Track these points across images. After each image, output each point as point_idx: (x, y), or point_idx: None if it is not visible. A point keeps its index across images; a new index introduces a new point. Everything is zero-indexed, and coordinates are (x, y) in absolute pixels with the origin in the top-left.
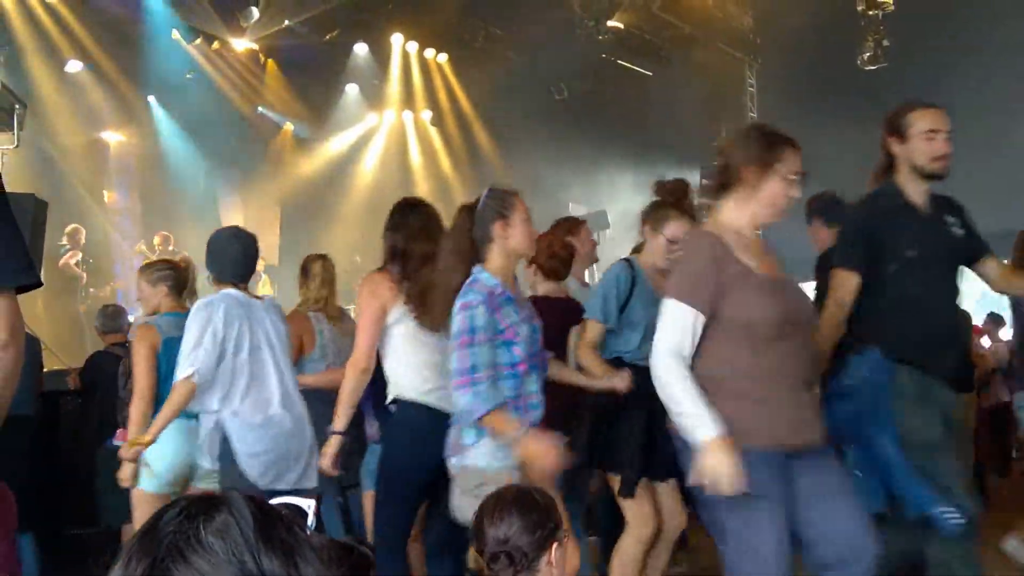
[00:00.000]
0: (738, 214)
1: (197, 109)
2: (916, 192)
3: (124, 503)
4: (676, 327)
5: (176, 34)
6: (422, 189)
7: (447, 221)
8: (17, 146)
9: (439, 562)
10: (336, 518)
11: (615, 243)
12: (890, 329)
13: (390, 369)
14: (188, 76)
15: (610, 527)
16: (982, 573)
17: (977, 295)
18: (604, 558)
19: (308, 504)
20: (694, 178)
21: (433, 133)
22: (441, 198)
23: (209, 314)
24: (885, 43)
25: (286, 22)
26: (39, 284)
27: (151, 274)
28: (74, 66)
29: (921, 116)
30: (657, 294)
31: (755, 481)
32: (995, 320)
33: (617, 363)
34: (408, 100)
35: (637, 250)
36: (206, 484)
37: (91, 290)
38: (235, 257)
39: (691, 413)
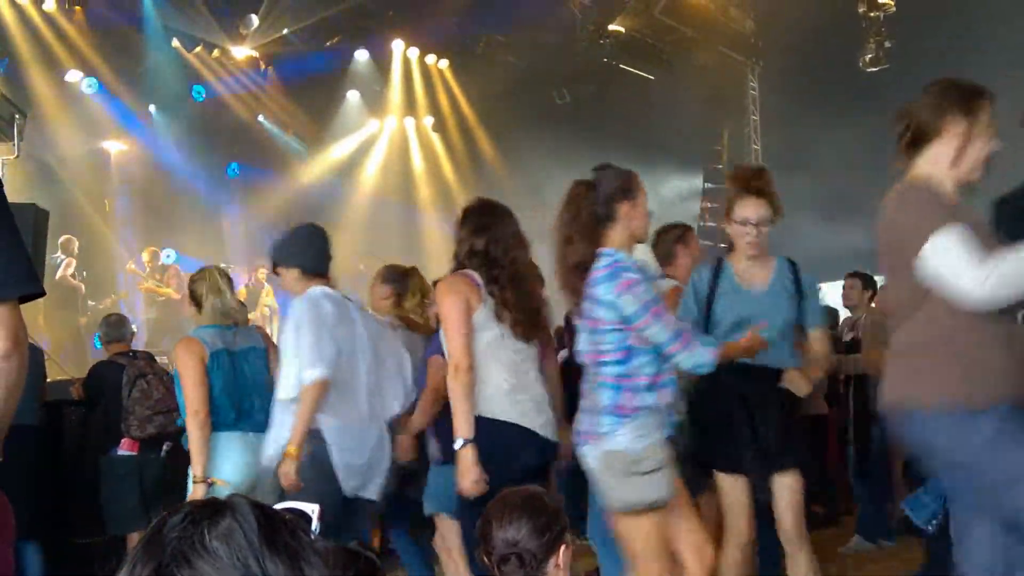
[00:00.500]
0: (937, 172)
1: (198, 118)
2: None
3: (129, 512)
4: (954, 251)
5: (176, 43)
6: (424, 195)
7: (445, 230)
8: (17, 156)
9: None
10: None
11: None
12: None
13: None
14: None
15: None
16: None
17: None
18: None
19: (312, 508)
20: (697, 181)
21: (435, 139)
22: (443, 204)
23: (319, 311)
24: (886, 45)
25: (286, 30)
26: (42, 293)
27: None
28: (74, 76)
29: None
30: (745, 288)
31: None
32: None
33: None
34: (409, 106)
35: None
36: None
37: (90, 303)
38: (321, 248)
39: None
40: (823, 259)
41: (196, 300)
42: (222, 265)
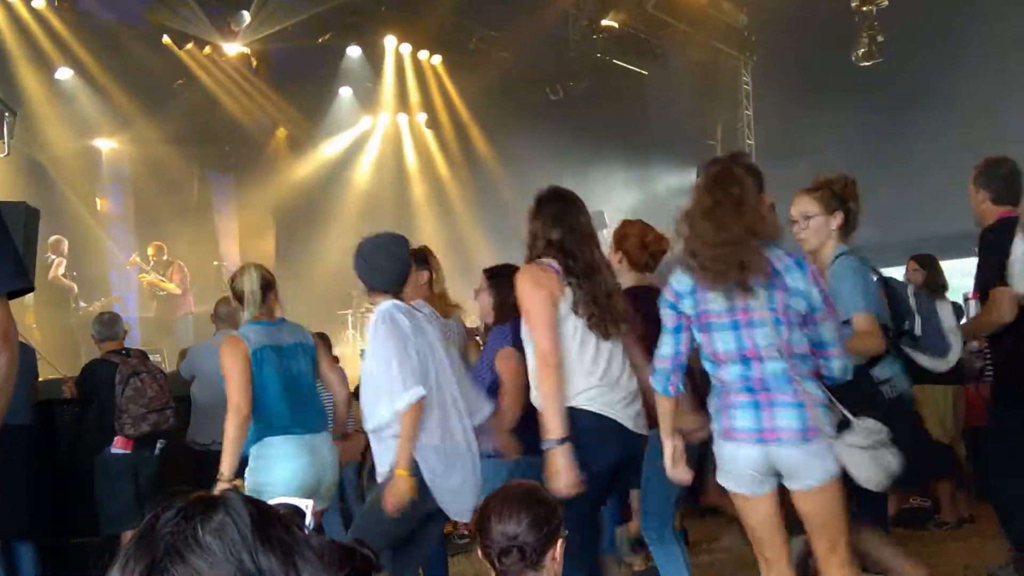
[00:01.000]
0: None
1: (190, 115)
2: None
3: (123, 511)
4: None
5: (167, 39)
6: (418, 192)
7: (437, 229)
8: (7, 154)
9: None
10: (338, 523)
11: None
12: None
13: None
14: (179, 84)
15: None
16: None
17: None
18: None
19: (306, 504)
20: (690, 176)
21: (428, 135)
22: (437, 201)
23: (400, 328)
24: (879, 39)
25: (277, 26)
26: (30, 289)
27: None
28: (64, 73)
29: None
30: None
31: None
32: None
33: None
34: (402, 103)
35: None
36: (319, 504)
37: (82, 304)
38: (399, 262)
39: None
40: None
41: (238, 296)
42: (215, 263)
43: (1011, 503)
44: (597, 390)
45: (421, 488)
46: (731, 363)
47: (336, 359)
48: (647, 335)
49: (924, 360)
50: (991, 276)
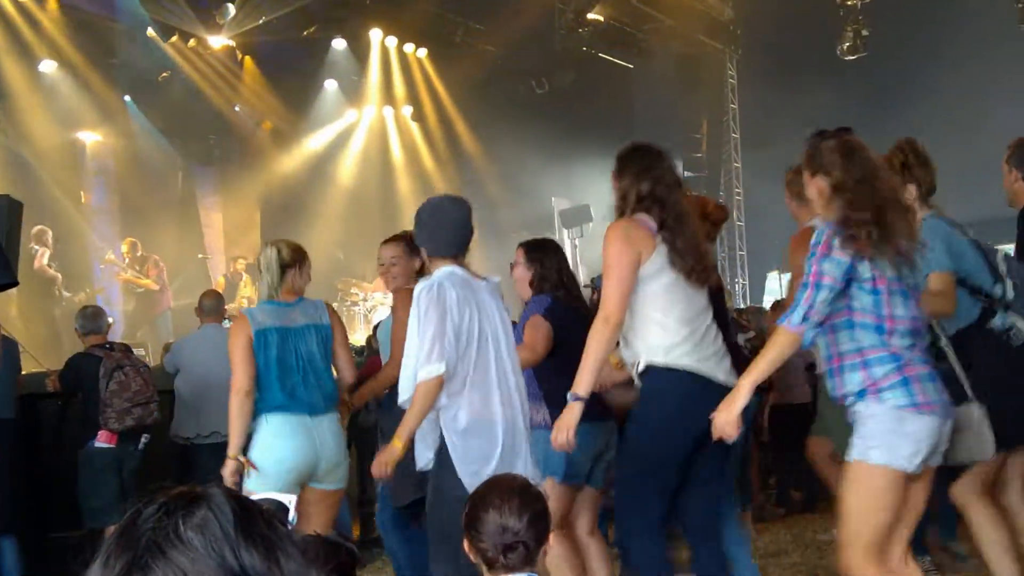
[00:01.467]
0: None
1: (174, 108)
2: None
3: (107, 505)
4: None
5: (151, 32)
6: (403, 185)
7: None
8: None
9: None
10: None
11: (597, 237)
12: None
13: (636, 330)
14: (163, 76)
15: None
16: None
17: None
18: None
19: (289, 499)
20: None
21: (414, 128)
22: (423, 193)
23: (443, 298)
24: (864, 33)
25: (263, 18)
26: (15, 283)
27: None
28: (48, 65)
29: None
30: None
31: None
32: None
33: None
34: (388, 96)
35: None
36: (327, 484)
37: (66, 294)
38: (457, 224)
39: None
40: None
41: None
42: (199, 256)
43: None
44: (691, 344)
45: (451, 465)
46: (906, 331)
47: None
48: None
49: (1021, 323)
50: None
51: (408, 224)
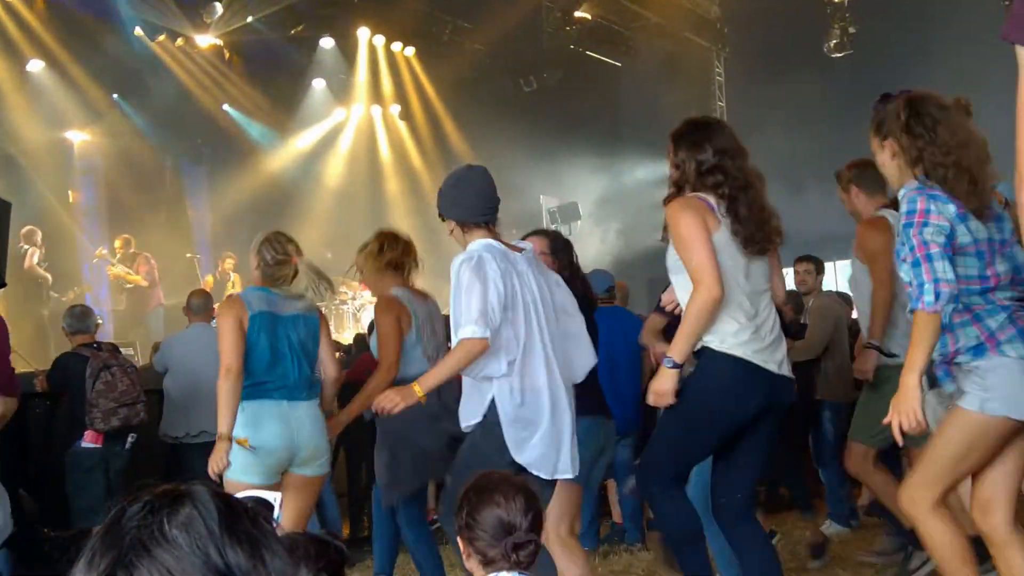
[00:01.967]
0: None
1: (163, 107)
2: None
3: (95, 505)
4: None
5: (139, 31)
6: (391, 183)
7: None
8: None
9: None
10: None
11: (585, 235)
12: None
13: None
14: (152, 75)
15: None
16: None
17: None
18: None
19: (274, 497)
20: (664, 167)
21: (401, 127)
22: (411, 192)
23: (484, 269)
24: (851, 30)
25: (250, 18)
26: (2, 284)
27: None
28: (35, 65)
29: None
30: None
31: None
32: None
33: None
34: (376, 94)
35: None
36: (308, 469)
37: (54, 295)
38: (480, 190)
39: None
40: (788, 242)
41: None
42: (188, 255)
43: None
44: (749, 333)
45: (498, 438)
46: (1006, 284)
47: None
48: None
49: None
50: None
51: (397, 219)
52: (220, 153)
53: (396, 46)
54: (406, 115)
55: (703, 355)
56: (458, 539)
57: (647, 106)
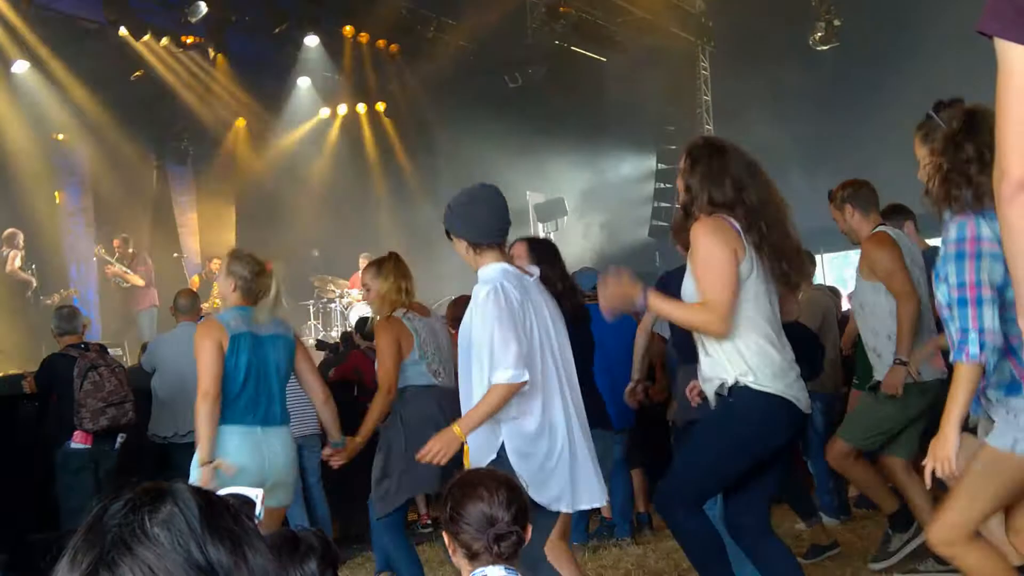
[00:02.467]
0: None
1: (148, 107)
2: None
3: (84, 505)
4: None
5: (123, 31)
6: (377, 180)
7: (397, 215)
8: None
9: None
10: (300, 511)
11: (571, 231)
12: None
13: (723, 341)
14: (136, 76)
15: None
16: None
17: None
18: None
19: (256, 494)
20: (650, 162)
21: (387, 124)
22: (397, 189)
23: (511, 302)
24: (836, 23)
25: (234, 16)
26: None
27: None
28: (20, 66)
29: None
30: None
31: None
32: None
33: None
34: (361, 92)
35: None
36: (270, 500)
37: (40, 297)
38: (493, 208)
39: None
40: None
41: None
42: (174, 255)
43: None
44: (778, 366)
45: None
46: None
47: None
48: None
49: None
50: None
51: (383, 217)
52: (206, 153)
53: (380, 43)
54: (392, 112)
55: (736, 393)
56: (443, 534)
57: (633, 101)
